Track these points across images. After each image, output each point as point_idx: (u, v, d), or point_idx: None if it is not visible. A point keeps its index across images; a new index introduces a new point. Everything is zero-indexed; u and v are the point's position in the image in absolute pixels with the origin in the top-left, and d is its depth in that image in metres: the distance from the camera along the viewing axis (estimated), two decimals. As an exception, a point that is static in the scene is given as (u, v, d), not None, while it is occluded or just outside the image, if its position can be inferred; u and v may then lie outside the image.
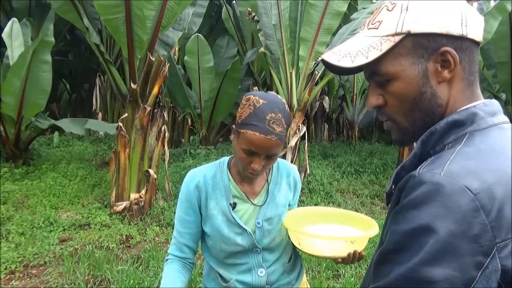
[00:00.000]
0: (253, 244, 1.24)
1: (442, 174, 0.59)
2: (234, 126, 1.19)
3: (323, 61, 0.75)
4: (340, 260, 1.16)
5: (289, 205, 1.35)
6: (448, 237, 0.54)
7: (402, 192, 0.63)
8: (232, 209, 1.23)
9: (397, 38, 0.68)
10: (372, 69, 0.72)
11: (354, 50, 0.72)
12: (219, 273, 1.29)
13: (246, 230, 1.23)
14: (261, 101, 1.12)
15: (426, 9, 0.67)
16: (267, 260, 1.27)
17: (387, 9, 0.71)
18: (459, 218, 0.55)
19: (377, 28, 0.71)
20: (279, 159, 1.35)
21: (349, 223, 1.28)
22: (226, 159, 1.32)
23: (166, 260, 1.31)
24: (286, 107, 1.18)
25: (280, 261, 1.31)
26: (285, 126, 1.14)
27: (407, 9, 0.68)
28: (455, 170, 0.59)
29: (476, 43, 0.69)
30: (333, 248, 1.14)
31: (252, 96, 1.14)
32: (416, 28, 0.67)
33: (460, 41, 0.67)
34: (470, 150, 0.63)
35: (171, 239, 1.35)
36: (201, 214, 1.27)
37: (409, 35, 0.68)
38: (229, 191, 1.25)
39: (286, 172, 1.34)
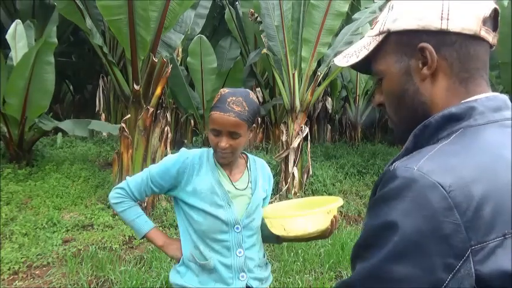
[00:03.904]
0: (235, 220, 1.34)
1: (415, 169, 0.56)
2: None
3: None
4: (326, 233, 1.28)
5: (265, 197, 1.47)
6: (413, 235, 0.52)
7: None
8: (218, 186, 1.34)
9: (380, 38, 0.71)
10: (372, 69, 0.75)
11: (352, 50, 0.76)
12: (200, 250, 1.34)
13: (228, 203, 1.34)
14: (226, 90, 1.32)
15: (405, 6, 0.67)
16: (245, 242, 1.37)
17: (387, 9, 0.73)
18: (428, 216, 0.52)
19: (372, 28, 0.74)
20: (255, 157, 1.51)
21: (316, 206, 1.35)
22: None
23: (116, 198, 1.40)
24: (254, 97, 1.34)
25: (255, 249, 1.40)
26: (246, 108, 1.28)
27: (392, 8, 0.69)
28: (430, 165, 0.56)
29: (471, 36, 0.63)
30: (315, 222, 1.24)
31: (221, 89, 1.35)
32: (395, 26, 0.68)
33: (442, 36, 0.64)
34: (454, 147, 0.59)
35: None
36: (176, 187, 1.36)
37: (390, 34, 0.69)
38: (215, 170, 1.37)
39: (261, 165, 1.50)
